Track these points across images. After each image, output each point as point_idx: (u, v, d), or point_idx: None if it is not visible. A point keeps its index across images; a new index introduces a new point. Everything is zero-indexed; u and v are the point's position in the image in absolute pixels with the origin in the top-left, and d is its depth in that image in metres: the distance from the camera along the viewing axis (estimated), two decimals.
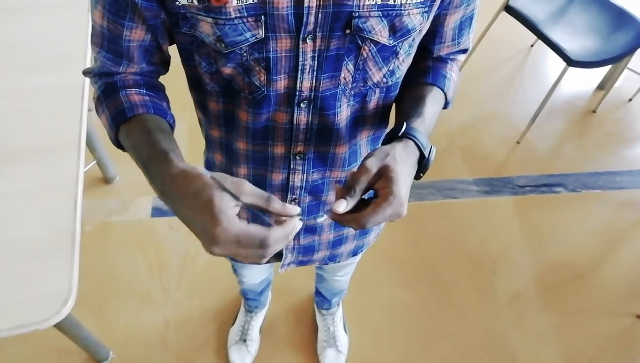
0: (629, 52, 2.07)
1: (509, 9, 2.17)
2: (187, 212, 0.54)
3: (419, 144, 0.65)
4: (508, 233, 2.02)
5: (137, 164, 0.64)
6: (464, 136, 2.33)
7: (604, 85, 2.56)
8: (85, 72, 0.75)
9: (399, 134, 0.66)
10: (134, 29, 0.65)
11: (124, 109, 0.67)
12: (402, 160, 0.62)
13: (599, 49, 2.05)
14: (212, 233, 0.52)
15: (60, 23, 1.35)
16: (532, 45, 2.78)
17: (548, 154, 2.32)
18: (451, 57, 0.80)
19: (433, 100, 0.74)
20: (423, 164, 0.66)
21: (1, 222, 1.02)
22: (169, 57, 0.74)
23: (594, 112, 2.50)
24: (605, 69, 2.51)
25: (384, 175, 0.60)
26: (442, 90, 0.77)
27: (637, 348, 1.75)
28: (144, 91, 0.71)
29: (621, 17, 2.16)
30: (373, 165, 0.60)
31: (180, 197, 0.55)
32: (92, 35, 0.69)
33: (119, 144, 0.71)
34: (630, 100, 2.57)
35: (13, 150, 1.12)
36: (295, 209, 0.57)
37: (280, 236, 0.55)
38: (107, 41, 0.67)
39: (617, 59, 2.09)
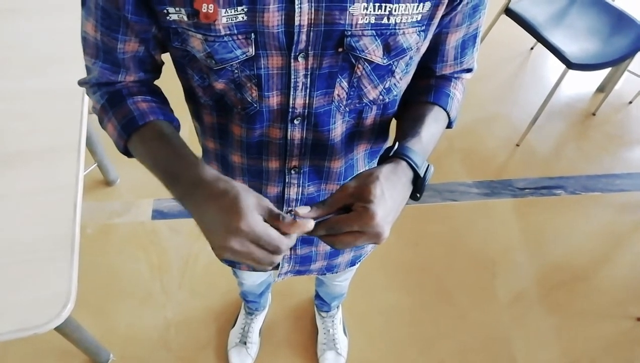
0: (628, 55, 2.07)
1: (508, 12, 2.17)
2: (212, 209, 0.55)
3: (413, 164, 0.63)
4: (508, 235, 2.02)
5: (154, 169, 0.65)
6: (464, 138, 2.33)
7: (604, 88, 2.56)
8: (82, 83, 0.74)
9: (391, 154, 0.64)
10: (127, 42, 0.65)
11: (134, 117, 0.68)
12: (387, 181, 0.59)
13: (598, 52, 2.05)
14: (236, 226, 0.53)
15: (61, 25, 1.36)
16: (532, 48, 2.78)
17: (548, 156, 2.32)
18: (456, 75, 0.77)
19: (433, 119, 0.72)
20: (418, 183, 0.64)
21: (1, 224, 1.02)
22: (162, 63, 0.74)
23: (594, 114, 2.50)
24: (606, 71, 2.51)
25: (362, 196, 0.58)
26: (444, 109, 0.74)
27: (637, 351, 1.75)
28: (149, 98, 0.71)
29: (621, 19, 2.16)
30: (351, 185, 0.59)
31: (207, 197, 0.56)
32: (84, 46, 0.69)
33: (126, 151, 0.71)
34: (631, 102, 2.57)
35: (13, 152, 1.12)
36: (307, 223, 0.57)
37: (291, 243, 0.57)
38: (103, 52, 0.67)
39: (617, 62, 2.09)
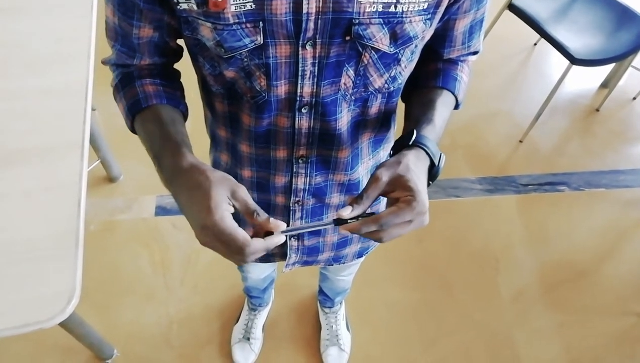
0: (633, 50, 2.06)
1: (512, 7, 2.16)
2: (186, 201, 0.59)
3: (429, 153, 0.65)
4: (511, 231, 2.02)
5: (148, 153, 0.68)
6: (467, 134, 2.33)
7: (607, 84, 2.55)
8: (104, 62, 0.77)
9: (410, 143, 0.65)
10: (142, 28, 0.67)
11: (139, 99, 0.71)
12: (416, 168, 0.61)
13: (602, 47, 2.04)
14: (204, 222, 0.56)
15: (63, 23, 1.35)
16: (535, 44, 2.77)
17: (551, 152, 2.31)
18: (462, 58, 0.79)
19: (443, 104, 0.74)
20: (433, 172, 0.66)
21: (4, 221, 1.02)
22: (181, 48, 0.75)
23: (597, 110, 2.49)
24: (609, 67, 2.50)
25: (400, 184, 0.59)
26: (452, 93, 0.76)
27: (639, 347, 1.75)
28: (159, 81, 0.73)
29: (625, 14, 2.15)
30: (383, 174, 0.60)
31: (184, 187, 0.59)
32: (106, 29, 0.71)
33: (134, 131, 0.74)
34: (634, 98, 2.56)
35: (16, 150, 1.12)
36: (280, 226, 0.59)
37: (260, 248, 0.58)
38: (121, 36, 0.70)
39: (621, 57, 2.08)
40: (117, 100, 0.75)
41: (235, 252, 0.57)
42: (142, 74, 0.73)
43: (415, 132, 0.66)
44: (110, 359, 1.60)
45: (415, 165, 0.61)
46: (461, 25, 0.71)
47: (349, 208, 0.60)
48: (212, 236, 0.56)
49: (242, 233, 0.56)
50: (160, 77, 0.74)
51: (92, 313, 1.62)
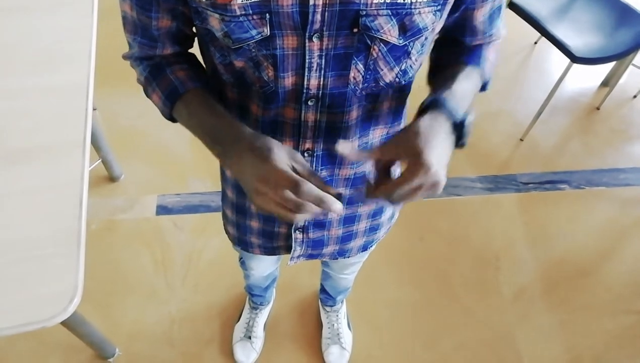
0: (633, 49, 2.06)
1: (512, 5, 2.16)
2: (249, 159, 0.60)
3: (447, 111, 0.63)
4: (512, 230, 2.02)
5: (196, 130, 0.70)
6: None
7: (608, 82, 2.55)
8: (125, 57, 0.79)
9: (422, 108, 0.65)
10: (160, 19, 0.69)
11: (176, 86, 0.73)
12: (428, 131, 0.60)
13: (603, 46, 2.04)
14: (263, 171, 0.58)
15: (65, 22, 1.36)
16: (535, 42, 2.77)
17: (552, 151, 2.31)
18: (487, 42, 0.79)
19: (466, 77, 0.73)
20: (460, 130, 0.65)
21: (5, 220, 1.02)
22: (194, 34, 0.77)
23: (598, 108, 2.49)
24: (610, 65, 2.50)
25: (406, 152, 0.59)
26: (478, 68, 0.76)
27: None
28: (186, 66, 0.76)
29: (625, 13, 2.15)
30: (392, 140, 0.62)
31: (246, 149, 0.61)
32: (124, 23, 0.73)
33: (171, 118, 0.77)
34: (635, 96, 2.56)
35: (18, 149, 1.13)
36: (334, 202, 0.59)
37: (313, 192, 0.57)
38: (140, 29, 0.71)
39: (622, 56, 2.08)
40: (150, 91, 0.76)
41: (289, 191, 0.57)
42: (170, 62, 0.75)
43: (428, 98, 0.66)
44: (112, 358, 1.61)
45: (426, 128, 0.60)
46: (480, 15, 0.71)
47: (347, 146, 0.61)
48: (270, 182, 0.57)
49: (301, 178, 0.58)
50: (186, 63, 0.76)
51: (94, 312, 1.63)
